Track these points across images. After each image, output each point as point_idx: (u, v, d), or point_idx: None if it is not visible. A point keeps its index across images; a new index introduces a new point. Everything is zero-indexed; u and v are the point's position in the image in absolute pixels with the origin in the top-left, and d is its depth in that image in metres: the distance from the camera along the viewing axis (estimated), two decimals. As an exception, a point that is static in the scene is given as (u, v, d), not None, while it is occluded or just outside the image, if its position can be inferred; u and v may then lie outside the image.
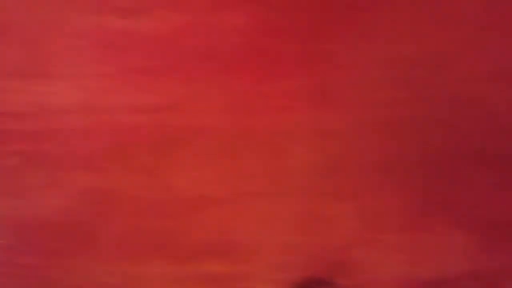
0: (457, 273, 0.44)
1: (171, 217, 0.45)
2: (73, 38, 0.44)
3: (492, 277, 0.44)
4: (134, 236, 0.46)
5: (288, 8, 0.44)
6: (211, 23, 0.44)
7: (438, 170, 0.44)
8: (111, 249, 0.46)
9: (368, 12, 0.44)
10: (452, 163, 0.43)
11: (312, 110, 0.44)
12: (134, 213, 0.45)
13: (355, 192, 0.44)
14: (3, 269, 0.46)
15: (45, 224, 0.45)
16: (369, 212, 0.44)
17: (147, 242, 0.46)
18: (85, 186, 0.45)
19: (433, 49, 0.44)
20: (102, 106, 0.45)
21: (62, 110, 0.45)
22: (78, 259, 0.46)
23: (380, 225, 0.44)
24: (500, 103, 0.43)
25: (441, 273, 0.44)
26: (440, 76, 0.44)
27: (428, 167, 0.44)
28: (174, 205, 0.45)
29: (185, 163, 0.45)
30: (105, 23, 0.44)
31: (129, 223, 0.45)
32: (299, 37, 0.44)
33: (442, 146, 0.43)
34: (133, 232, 0.45)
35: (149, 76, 0.45)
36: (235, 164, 0.45)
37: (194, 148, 0.45)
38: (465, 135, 0.44)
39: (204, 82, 0.44)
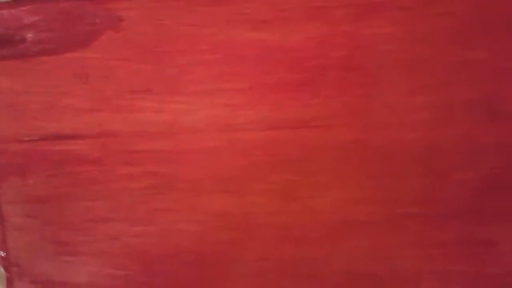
0: None
1: (313, 244, 0.41)
2: (205, 53, 0.42)
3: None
4: (274, 266, 0.42)
5: (434, 14, 0.40)
6: (350, 34, 0.41)
7: None
8: (249, 282, 0.42)
9: None
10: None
11: (474, 124, 0.40)
12: (274, 240, 0.42)
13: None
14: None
15: (176, 252, 0.42)
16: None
17: (289, 273, 0.42)
18: (218, 210, 0.42)
19: None
20: (236, 123, 0.42)
21: (194, 129, 0.42)
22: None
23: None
24: None
25: None
26: None
27: None
28: (316, 231, 0.41)
29: (327, 183, 0.41)
30: (237, 36, 0.42)
31: (268, 251, 0.42)
32: (451, 46, 0.40)
33: None
34: (273, 261, 0.41)
35: (284, 91, 0.41)
36: (383, 183, 0.41)
37: (336, 166, 0.41)
38: None
39: (346, 95, 0.41)
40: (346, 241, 0.41)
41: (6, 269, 0.44)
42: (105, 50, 0.41)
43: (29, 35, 0.41)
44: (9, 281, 0.44)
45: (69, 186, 0.42)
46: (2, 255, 0.44)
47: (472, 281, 0.40)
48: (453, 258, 0.40)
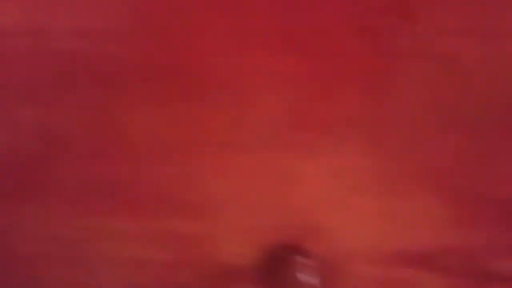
0: (435, 247, 0.41)
1: (124, 163, 0.42)
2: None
3: (473, 253, 0.41)
4: (88, 183, 0.42)
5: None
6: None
7: (416, 132, 0.40)
8: (60, 196, 0.42)
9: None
10: (431, 126, 0.40)
11: (283, 54, 0.40)
12: (84, 155, 0.41)
13: (327, 149, 0.41)
14: None
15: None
16: (343, 172, 0.41)
17: (100, 191, 0.42)
18: (26, 120, 0.41)
19: None
20: (44, 29, 0.40)
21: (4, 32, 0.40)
22: (29, 206, 0.42)
23: (354, 188, 0.41)
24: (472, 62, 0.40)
25: (419, 246, 0.41)
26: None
27: (406, 128, 0.40)
28: (126, 150, 0.41)
29: (137, 102, 0.41)
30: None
31: (77, 166, 0.41)
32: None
33: (421, 107, 0.40)
34: (87, 178, 0.42)
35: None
36: (194, 108, 0.41)
37: (148, 85, 0.40)
38: (446, 96, 0.40)
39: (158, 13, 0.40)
40: (157, 165, 0.42)
41: None
42: None
43: None
44: None
45: None
46: None
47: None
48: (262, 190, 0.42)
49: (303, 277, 0.40)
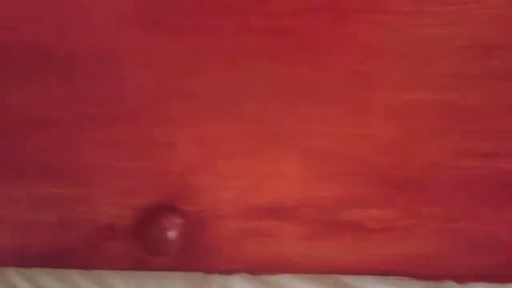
0: (292, 200, 0.46)
1: (9, 137, 0.45)
2: None
3: (328, 206, 0.46)
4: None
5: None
6: None
7: (272, 100, 0.44)
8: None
9: None
10: (285, 94, 0.44)
11: (148, 32, 0.43)
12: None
13: (194, 117, 0.45)
14: None
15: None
16: (208, 139, 0.45)
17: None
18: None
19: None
20: None
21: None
22: None
23: (219, 151, 0.45)
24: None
25: (277, 200, 0.46)
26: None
27: (263, 96, 0.44)
28: (11, 125, 0.45)
29: (18, 80, 0.44)
30: None
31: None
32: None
33: (278, 75, 0.43)
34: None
35: None
36: (69, 84, 0.44)
37: (27, 64, 0.43)
38: (296, 68, 0.44)
39: None
40: (39, 136, 0.45)
41: None
42: None
43: None
44: None
45: None
46: None
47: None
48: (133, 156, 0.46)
49: (169, 233, 0.44)
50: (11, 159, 0.45)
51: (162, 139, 0.45)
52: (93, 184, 0.45)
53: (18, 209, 0.46)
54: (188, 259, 0.47)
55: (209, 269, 0.47)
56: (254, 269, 0.47)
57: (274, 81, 0.43)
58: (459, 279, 0.47)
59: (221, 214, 0.46)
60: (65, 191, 0.46)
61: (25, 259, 0.48)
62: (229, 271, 0.48)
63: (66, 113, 0.44)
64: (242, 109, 0.44)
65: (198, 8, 0.42)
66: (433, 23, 0.41)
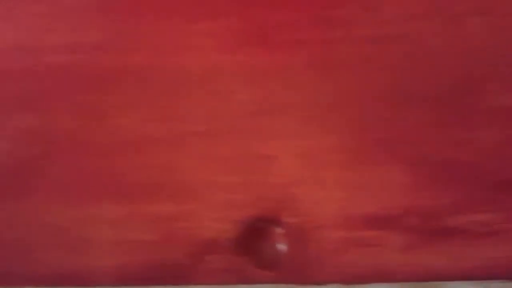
0: (397, 209, 0.46)
1: (113, 158, 0.45)
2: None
3: (433, 213, 0.46)
4: (78, 178, 0.45)
5: None
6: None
7: (376, 109, 0.44)
8: (56, 191, 0.45)
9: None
10: (390, 101, 0.44)
11: (248, 49, 0.43)
12: (76, 154, 0.45)
13: (295, 131, 0.44)
14: None
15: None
16: (309, 150, 0.45)
17: (92, 184, 0.46)
18: (25, 127, 0.44)
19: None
20: (37, 46, 0.44)
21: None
22: (23, 202, 0.46)
23: (321, 163, 0.45)
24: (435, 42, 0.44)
25: (382, 209, 0.46)
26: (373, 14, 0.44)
27: (366, 106, 0.44)
28: (115, 146, 0.45)
29: (124, 103, 0.45)
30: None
31: (71, 164, 0.45)
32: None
33: (379, 85, 0.44)
34: (77, 173, 0.45)
35: (79, 14, 0.43)
36: (173, 104, 0.44)
37: (132, 88, 0.44)
38: (403, 75, 0.44)
39: (133, 21, 0.43)
40: (143, 155, 0.45)
41: None
42: None
43: None
44: None
45: None
46: None
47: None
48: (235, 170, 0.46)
49: (276, 245, 0.44)
50: (113, 179, 0.46)
51: (263, 153, 0.45)
52: (196, 200, 0.45)
53: (119, 228, 0.47)
54: (291, 271, 0.47)
55: (310, 281, 0.47)
56: (351, 279, 0.47)
57: (377, 90, 0.43)
58: None
59: (323, 225, 0.46)
60: (167, 208, 0.46)
61: (125, 279, 0.48)
62: (327, 282, 0.47)
63: (168, 131, 0.45)
64: (342, 119, 0.44)
65: (299, 22, 0.42)
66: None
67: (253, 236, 0.45)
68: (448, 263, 0.46)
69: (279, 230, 0.45)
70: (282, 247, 0.45)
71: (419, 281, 0.48)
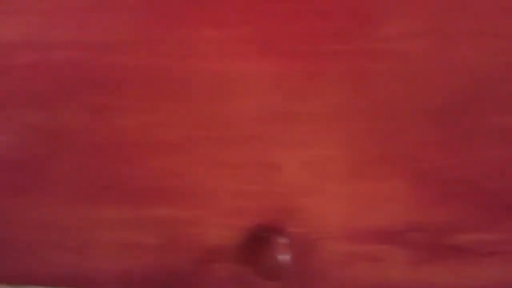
0: (401, 224, 0.46)
1: (120, 159, 0.46)
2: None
3: (436, 231, 0.46)
4: (84, 178, 0.46)
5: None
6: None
7: (382, 123, 0.44)
8: (63, 190, 0.46)
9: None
10: (396, 116, 0.44)
11: (261, 57, 0.44)
12: (82, 154, 0.45)
13: (303, 141, 0.45)
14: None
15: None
16: (316, 162, 0.45)
17: (98, 185, 0.46)
18: (32, 123, 0.45)
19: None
20: (44, 42, 0.44)
21: (7, 45, 0.44)
22: (29, 199, 0.46)
23: (327, 174, 0.45)
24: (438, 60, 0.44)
25: (386, 224, 0.46)
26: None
27: (372, 120, 0.44)
28: (122, 148, 0.45)
29: (133, 105, 0.45)
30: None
31: (77, 163, 0.45)
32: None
33: (387, 99, 0.44)
34: (83, 173, 0.45)
35: (91, 13, 0.44)
36: (182, 109, 0.45)
37: (142, 90, 0.45)
38: (408, 91, 0.45)
39: (152, 22, 0.44)
40: (152, 159, 0.46)
41: None
42: None
43: None
44: None
45: None
46: None
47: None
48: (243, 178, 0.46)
49: (280, 255, 0.44)
50: (120, 181, 0.46)
51: (271, 162, 0.45)
52: (202, 206, 0.46)
53: (124, 232, 0.47)
54: (294, 282, 0.46)
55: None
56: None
57: (384, 104, 0.44)
58: None
59: (328, 237, 0.46)
60: (172, 213, 0.46)
61: (129, 283, 0.48)
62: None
63: (176, 136, 0.45)
64: (350, 132, 0.45)
65: (311, 33, 0.43)
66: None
67: (257, 245, 0.45)
68: (451, 281, 0.46)
69: (283, 240, 0.45)
70: (284, 257, 0.45)
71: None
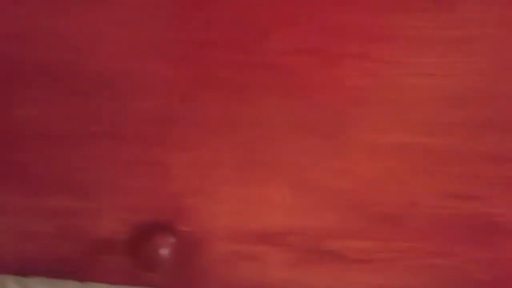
0: (282, 227, 0.49)
1: (19, 149, 0.48)
2: None
3: (314, 234, 0.49)
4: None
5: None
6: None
7: (264, 131, 0.47)
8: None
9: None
10: (277, 126, 0.47)
11: (159, 60, 0.46)
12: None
13: (192, 143, 0.47)
14: None
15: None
16: (205, 164, 0.48)
17: (3, 175, 0.48)
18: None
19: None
20: None
21: None
22: None
23: (214, 177, 0.48)
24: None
25: (267, 226, 0.49)
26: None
27: (255, 128, 0.47)
28: (21, 138, 0.48)
29: (33, 97, 0.47)
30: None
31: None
32: None
33: (269, 110, 0.47)
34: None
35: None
36: (81, 104, 0.47)
37: (43, 83, 0.46)
38: (289, 104, 0.47)
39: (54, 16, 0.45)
40: (49, 150, 0.48)
41: None
42: None
43: None
44: None
45: None
46: None
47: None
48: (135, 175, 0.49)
49: (161, 250, 0.47)
50: (14, 171, 0.48)
51: (162, 161, 0.48)
52: (95, 199, 0.48)
53: (20, 219, 0.49)
54: (180, 278, 0.50)
55: (194, 288, 0.50)
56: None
57: (269, 114, 0.47)
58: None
59: (213, 237, 0.49)
60: (66, 204, 0.49)
61: (24, 268, 0.50)
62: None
63: (74, 130, 0.47)
64: (238, 138, 0.48)
65: (201, 41, 0.46)
66: (413, 73, 0.45)
67: (142, 240, 0.48)
68: (325, 283, 0.50)
69: (169, 237, 0.48)
70: (164, 251, 0.48)
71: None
